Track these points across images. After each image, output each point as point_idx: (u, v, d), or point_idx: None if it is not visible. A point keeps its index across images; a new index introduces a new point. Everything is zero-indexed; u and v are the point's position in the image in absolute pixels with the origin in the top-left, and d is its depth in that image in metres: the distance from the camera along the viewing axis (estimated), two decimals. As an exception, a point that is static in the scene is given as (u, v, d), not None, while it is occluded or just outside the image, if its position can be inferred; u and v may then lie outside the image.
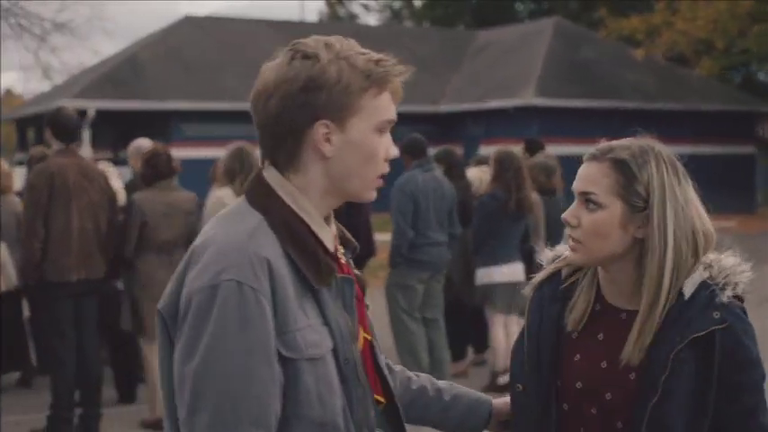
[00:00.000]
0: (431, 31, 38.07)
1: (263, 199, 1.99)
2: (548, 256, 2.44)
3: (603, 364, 2.25)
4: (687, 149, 30.54)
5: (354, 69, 1.96)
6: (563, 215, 2.26)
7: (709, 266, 2.21)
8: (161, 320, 1.97)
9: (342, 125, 1.96)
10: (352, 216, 9.64)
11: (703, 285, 2.18)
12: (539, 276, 2.41)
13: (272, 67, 2.00)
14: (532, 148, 9.86)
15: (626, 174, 2.20)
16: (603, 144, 2.29)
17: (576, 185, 2.27)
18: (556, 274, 2.38)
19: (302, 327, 1.91)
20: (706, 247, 2.22)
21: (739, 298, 2.21)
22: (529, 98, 27.49)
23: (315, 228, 1.99)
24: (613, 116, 29.24)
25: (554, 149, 32.10)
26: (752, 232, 22.45)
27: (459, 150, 11.99)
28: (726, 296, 2.16)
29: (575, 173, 2.30)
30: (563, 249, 2.39)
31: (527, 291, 2.40)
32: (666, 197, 2.17)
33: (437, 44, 33.79)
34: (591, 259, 2.26)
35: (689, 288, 2.18)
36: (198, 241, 1.98)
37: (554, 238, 8.63)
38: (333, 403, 1.93)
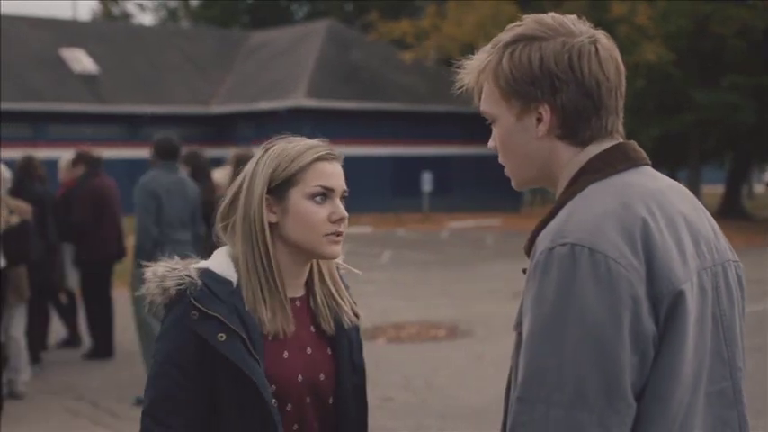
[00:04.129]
0: (205, 32, 37.82)
1: None
2: None
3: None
4: (455, 150, 31.68)
5: None
6: None
7: None
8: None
9: None
10: (101, 221, 9.65)
11: None
12: None
13: None
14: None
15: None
16: None
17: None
18: None
19: None
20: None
21: None
22: (300, 99, 27.79)
23: None
24: (383, 117, 29.90)
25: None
26: (515, 230, 23.54)
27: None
28: None
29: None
30: None
31: None
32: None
33: (211, 45, 33.58)
34: None
35: None
36: None
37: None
38: None
